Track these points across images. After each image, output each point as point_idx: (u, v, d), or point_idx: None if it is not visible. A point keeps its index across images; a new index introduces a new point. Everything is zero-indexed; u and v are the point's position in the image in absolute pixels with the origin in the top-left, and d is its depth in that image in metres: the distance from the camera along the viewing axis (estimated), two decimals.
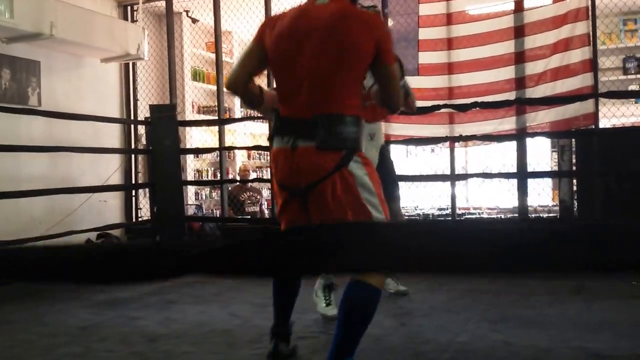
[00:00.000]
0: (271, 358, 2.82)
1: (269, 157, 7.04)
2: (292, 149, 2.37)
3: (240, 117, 8.43)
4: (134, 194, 7.05)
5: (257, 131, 9.04)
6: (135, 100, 7.13)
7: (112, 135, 6.89)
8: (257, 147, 8.47)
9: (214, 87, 7.12)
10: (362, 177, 2.36)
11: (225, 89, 3.02)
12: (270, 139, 2.52)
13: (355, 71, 2.38)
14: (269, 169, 7.25)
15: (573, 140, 5.43)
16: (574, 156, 5.43)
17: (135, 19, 6.97)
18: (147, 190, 6.86)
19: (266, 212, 7.77)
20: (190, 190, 7.64)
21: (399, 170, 4.48)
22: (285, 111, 2.44)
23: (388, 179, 3.67)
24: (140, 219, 6.99)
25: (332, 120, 2.35)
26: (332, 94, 2.37)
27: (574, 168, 5.44)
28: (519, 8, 5.55)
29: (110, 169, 6.69)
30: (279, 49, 2.44)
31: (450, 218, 5.85)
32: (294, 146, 2.37)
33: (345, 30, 2.34)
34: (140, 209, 7.04)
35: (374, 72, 2.42)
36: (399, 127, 5.74)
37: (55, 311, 4.12)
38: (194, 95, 7.88)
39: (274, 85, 2.60)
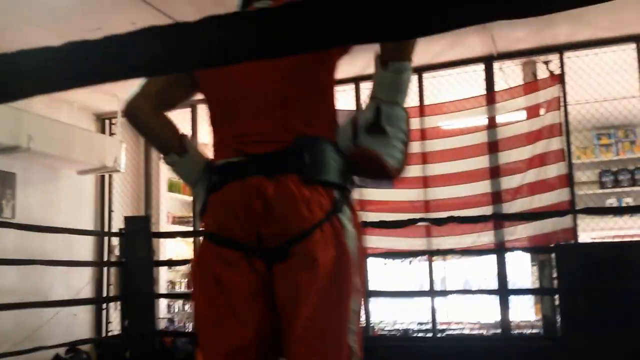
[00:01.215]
0: None
1: None
2: (245, 182, 1.55)
3: None
4: (104, 307, 6.81)
5: None
6: (110, 211, 7.05)
7: (85, 247, 6.75)
8: None
9: (190, 198, 7.06)
10: (353, 242, 1.57)
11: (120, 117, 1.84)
12: (199, 200, 1.71)
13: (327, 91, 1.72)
14: None
15: (553, 255, 5.35)
16: (554, 271, 5.34)
17: (113, 132, 7.01)
18: (118, 303, 6.64)
19: None
20: (162, 302, 7.41)
21: (377, 284, 4.33)
22: (230, 144, 1.63)
23: None
24: (110, 333, 6.71)
25: (324, 145, 1.60)
26: (310, 113, 1.65)
27: (555, 283, 5.32)
28: (492, 124, 5.61)
29: (82, 281, 6.51)
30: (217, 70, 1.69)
31: (431, 334, 5.66)
32: (250, 184, 1.55)
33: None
34: (111, 322, 6.78)
35: None
36: (376, 240, 5.65)
37: None
38: (169, 206, 7.81)
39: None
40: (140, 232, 6.21)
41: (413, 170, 5.71)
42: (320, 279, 1.49)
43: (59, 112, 6.31)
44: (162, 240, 7.33)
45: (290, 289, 1.52)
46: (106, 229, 6.99)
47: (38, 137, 5.53)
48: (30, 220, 5.74)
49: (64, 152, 5.91)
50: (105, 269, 6.90)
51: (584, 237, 5.64)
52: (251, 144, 1.58)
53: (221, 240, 1.58)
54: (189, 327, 7.48)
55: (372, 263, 5.86)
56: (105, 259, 6.96)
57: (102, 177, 7.01)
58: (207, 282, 1.62)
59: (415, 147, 5.75)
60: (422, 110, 5.79)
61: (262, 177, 1.53)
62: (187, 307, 8.10)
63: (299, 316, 1.50)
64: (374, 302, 5.83)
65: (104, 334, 6.74)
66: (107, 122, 7.12)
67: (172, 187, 7.92)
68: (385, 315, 6.05)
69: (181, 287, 8.19)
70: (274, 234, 1.52)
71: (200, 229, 1.75)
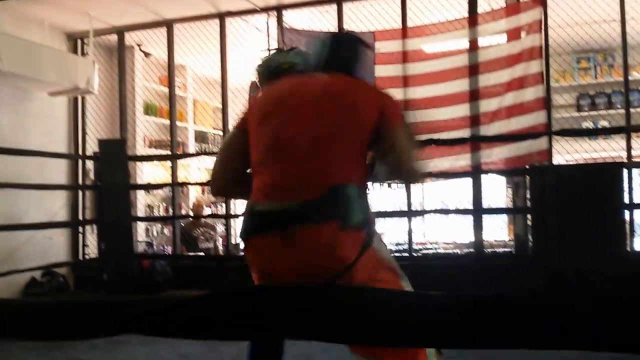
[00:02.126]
0: None
1: None
2: (288, 236, 1.83)
3: (194, 152, 8.28)
4: (80, 230, 6.78)
5: (211, 166, 8.87)
6: (84, 134, 6.92)
7: (59, 171, 6.65)
8: None
9: (167, 122, 6.97)
10: (383, 250, 2.03)
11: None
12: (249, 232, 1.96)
13: (357, 140, 1.98)
14: (224, 204, 7.08)
15: (527, 176, 5.47)
16: (528, 192, 5.47)
17: (85, 52, 6.80)
18: (94, 227, 6.62)
19: (220, 248, 7.58)
20: (141, 226, 7.41)
21: None
22: (266, 192, 1.93)
23: None
24: (87, 257, 6.72)
25: (354, 192, 1.90)
26: (340, 163, 1.93)
27: (529, 204, 5.47)
28: (473, 47, 5.61)
29: (56, 205, 6.44)
30: (259, 118, 2.04)
31: (407, 254, 5.80)
32: (291, 232, 1.82)
33: (345, 95, 2.00)
34: (87, 246, 6.78)
35: (379, 141, 2.00)
36: None
37: None
38: (146, 130, 7.70)
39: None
40: (115, 156, 6.13)
41: (394, 94, 5.70)
42: None
43: (29, 32, 6.09)
44: (139, 163, 7.27)
45: None
46: (80, 153, 6.88)
47: (6, 57, 5.35)
48: (1, 143, 5.60)
49: (34, 73, 5.73)
50: (80, 192, 6.83)
51: (559, 159, 5.77)
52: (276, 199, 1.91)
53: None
54: (168, 249, 7.52)
55: None
56: (80, 183, 6.87)
57: (75, 99, 6.84)
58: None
59: (396, 70, 5.74)
60: (404, 32, 5.75)
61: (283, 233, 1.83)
62: (165, 230, 8.13)
63: None
64: None
65: (80, 257, 6.74)
66: (79, 42, 6.90)
67: (148, 110, 7.78)
68: None
69: (159, 211, 8.19)
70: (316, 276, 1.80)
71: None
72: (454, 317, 0.95)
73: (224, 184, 2.16)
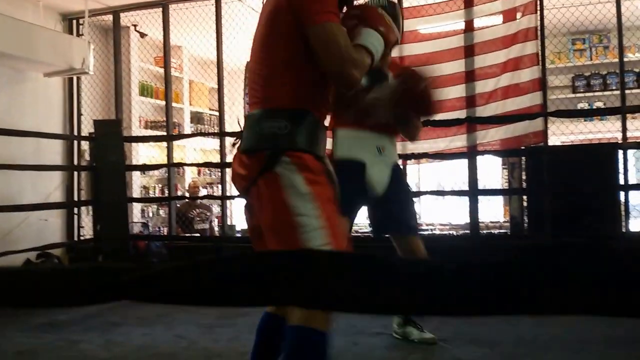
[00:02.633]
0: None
1: (219, 174, 6.85)
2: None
3: (189, 133, 8.27)
4: (75, 212, 6.78)
5: (207, 146, 8.87)
6: (79, 115, 6.88)
7: (54, 152, 6.63)
8: (207, 164, 8.27)
9: (163, 103, 6.95)
10: (292, 179, 1.81)
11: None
12: None
13: (280, 51, 1.88)
14: (219, 186, 7.08)
15: (523, 157, 5.48)
16: (523, 173, 5.49)
17: (80, 32, 6.76)
18: (90, 208, 6.61)
19: (216, 229, 7.60)
20: (136, 207, 7.41)
21: None
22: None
23: (404, 204, 3.21)
24: (82, 238, 6.72)
25: (257, 118, 1.90)
26: (262, 87, 1.92)
27: (524, 185, 5.49)
28: (469, 28, 5.60)
29: (51, 187, 6.43)
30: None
31: None
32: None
33: (266, 11, 1.95)
34: (83, 227, 6.77)
35: (305, 42, 1.82)
36: None
37: None
38: (142, 110, 7.67)
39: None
40: (111, 136, 6.13)
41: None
42: (257, 210, 1.90)
43: (23, 12, 6.04)
44: (134, 144, 7.25)
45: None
46: (75, 133, 6.85)
47: (1, 37, 5.32)
48: None
49: (28, 54, 5.70)
50: (75, 173, 6.81)
51: (554, 140, 5.77)
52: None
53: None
54: (164, 231, 7.53)
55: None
56: (76, 163, 6.85)
57: (70, 79, 6.80)
58: None
59: (393, 51, 5.71)
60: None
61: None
62: (161, 211, 8.13)
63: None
64: None
65: (75, 239, 6.74)
66: (74, 22, 6.84)
67: (143, 91, 7.76)
68: (359, 219, 6.15)
69: (155, 192, 8.18)
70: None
71: None
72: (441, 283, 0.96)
73: None
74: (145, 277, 1.13)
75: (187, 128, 8.51)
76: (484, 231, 5.91)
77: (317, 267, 1.00)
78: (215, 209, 7.82)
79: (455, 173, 6.30)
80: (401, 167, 3.42)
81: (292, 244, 1.75)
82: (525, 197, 5.47)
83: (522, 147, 5.43)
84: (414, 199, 6.40)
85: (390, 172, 3.14)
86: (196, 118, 9.01)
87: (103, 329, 3.97)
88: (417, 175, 7.21)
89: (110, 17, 6.79)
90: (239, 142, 2.00)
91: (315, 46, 1.79)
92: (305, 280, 1.01)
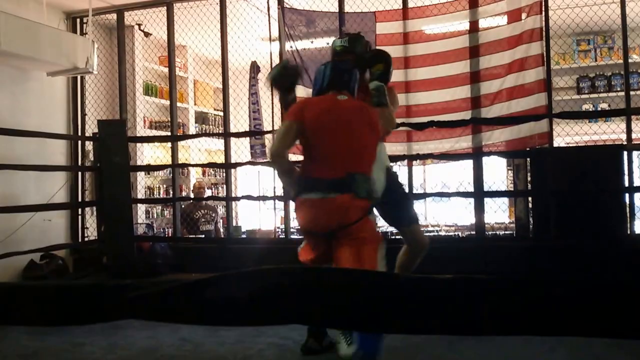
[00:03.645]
0: (301, 351, 3.36)
1: (224, 174, 6.87)
2: (325, 199, 2.97)
3: (194, 133, 8.26)
4: (80, 212, 6.77)
5: (212, 147, 8.86)
6: (83, 115, 6.87)
7: (58, 152, 6.63)
8: (212, 165, 8.27)
9: (167, 102, 6.94)
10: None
11: (269, 158, 3.27)
12: (295, 193, 3.12)
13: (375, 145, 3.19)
14: (224, 186, 7.06)
15: (528, 159, 5.47)
16: (529, 175, 5.47)
17: (84, 31, 6.75)
18: (94, 209, 6.60)
19: (221, 230, 7.59)
20: (141, 208, 7.40)
21: None
22: (318, 171, 3.06)
23: (400, 202, 3.64)
24: (86, 239, 6.71)
25: (367, 179, 3.07)
26: (366, 159, 3.12)
27: (529, 186, 5.47)
28: (474, 28, 5.59)
29: (55, 187, 6.41)
30: (320, 124, 3.10)
31: None
32: (329, 197, 2.96)
33: (369, 119, 3.15)
34: (87, 228, 6.77)
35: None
36: None
37: None
38: (146, 110, 7.67)
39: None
40: (115, 137, 6.11)
41: (395, 75, 5.67)
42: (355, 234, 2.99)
43: (27, 10, 6.04)
44: (139, 145, 7.25)
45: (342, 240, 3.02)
46: (80, 134, 6.84)
47: (4, 36, 5.28)
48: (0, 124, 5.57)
49: (32, 52, 5.67)
50: (79, 174, 6.80)
51: (559, 142, 5.76)
52: (325, 175, 3.05)
53: (308, 232, 3.18)
54: (168, 232, 7.52)
55: None
56: (80, 164, 6.84)
57: (74, 79, 6.79)
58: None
59: (397, 51, 5.70)
60: (405, 13, 5.72)
61: (325, 197, 3.00)
62: (166, 212, 8.12)
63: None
64: None
65: (80, 240, 6.73)
66: (77, 21, 6.83)
67: (148, 91, 7.75)
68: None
69: (160, 193, 8.17)
70: (337, 223, 3.00)
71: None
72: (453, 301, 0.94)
73: (283, 152, 3.14)
74: (150, 295, 1.11)
75: (192, 128, 8.50)
76: (490, 232, 5.90)
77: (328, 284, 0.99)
78: (220, 210, 7.81)
79: (460, 174, 6.28)
80: (392, 169, 3.78)
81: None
82: (530, 199, 5.46)
83: (527, 149, 5.42)
84: (418, 199, 6.40)
85: (385, 176, 3.53)
86: (201, 118, 8.99)
87: (107, 332, 3.95)
88: (423, 176, 7.19)
89: (114, 16, 6.78)
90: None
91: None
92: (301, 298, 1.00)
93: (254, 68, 6.42)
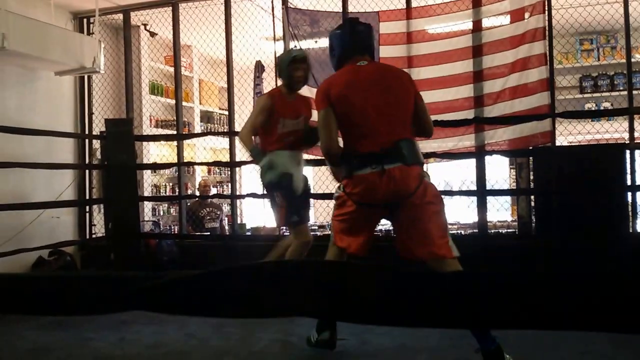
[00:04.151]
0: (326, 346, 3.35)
1: (229, 173, 6.97)
2: (382, 173, 2.93)
3: (199, 131, 8.33)
4: (87, 210, 6.85)
5: (217, 146, 8.93)
6: (90, 114, 6.95)
7: (65, 150, 6.71)
8: (217, 163, 8.32)
9: (173, 101, 7.01)
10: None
11: (326, 154, 3.17)
12: (346, 171, 3.08)
13: (409, 109, 3.10)
14: (229, 185, 7.12)
15: (530, 158, 5.50)
16: (531, 173, 5.51)
17: (91, 31, 6.82)
18: (102, 206, 6.68)
19: (227, 227, 7.66)
20: (147, 206, 7.48)
21: None
22: (363, 147, 3.01)
23: (308, 202, 4.26)
24: (94, 236, 6.79)
25: (411, 143, 3.02)
26: (402, 125, 3.05)
27: (532, 185, 5.51)
28: (477, 28, 5.62)
29: (63, 185, 6.50)
30: (348, 103, 3.06)
31: None
32: (383, 169, 2.93)
33: (396, 79, 3.14)
34: (95, 225, 6.85)
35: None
36: None
37: (4, 332, 3.95)
38: (152, 109, 7.74)
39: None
40: (122, 135, 6.18)
41: None
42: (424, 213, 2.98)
43: (34, 11, 6.11)
44: (145, 143, 7.32)
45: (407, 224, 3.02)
46: (87, 132, 6.92)
47: (13, 36, 5.33)
48: (8, 122, 5.63)
49: (40, 52, 5.73)
50: (87, 172, 6.88)
51: (561, 141, 5.79)
52: (374, 149, 3.00)
53: (364, 204, 3.04)
54: (174, 229, 7.59)
55: None
56: (87, 162, 6.92)
57: (81, 78, 6.87)
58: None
59: (400, 50, 5.76)
60: (408, 13, 5.76)
61: (379, 171, 2.94)
62: (172, 210, 8.20)
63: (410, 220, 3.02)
64: None
65: (87, 237, 6.81)
66: (84, 21, 6.90)
67: (154, 90, 7.82)
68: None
69: (166, 191, 8.24)
70: (398, 194, 2.96)
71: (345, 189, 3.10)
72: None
73: (336, 143, 3.12)
74: (156, 287, 1.16)
75: (197, 127, 8.57)
76: (492, 230, 5.94)
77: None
78: (225, 208, 7.88)
79: (463, 172, 6.32)
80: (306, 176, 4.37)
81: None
82: (532, 197, 5.49)
83: (530, 148, 5.45)
84: None
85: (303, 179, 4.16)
86: (206, 117, 9.06)
87: (115, 327, 4.03)
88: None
89: (120, 16, 6.85)
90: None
91: (424, 111, 3.19)
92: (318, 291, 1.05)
93: (259, 67, 6.48)
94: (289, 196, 3.96)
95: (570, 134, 5.72)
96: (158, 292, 1.11)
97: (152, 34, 7.50)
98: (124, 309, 1.14)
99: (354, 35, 3.23)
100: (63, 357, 3.41)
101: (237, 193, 6.62)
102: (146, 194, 7.33)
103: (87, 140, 6.91)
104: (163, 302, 1.15)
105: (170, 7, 6.53)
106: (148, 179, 7.52)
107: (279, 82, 4.28)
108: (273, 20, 6.14)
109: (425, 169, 3.10)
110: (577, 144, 6.08)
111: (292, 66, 3.99)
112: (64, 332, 3.94)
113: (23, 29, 5.54)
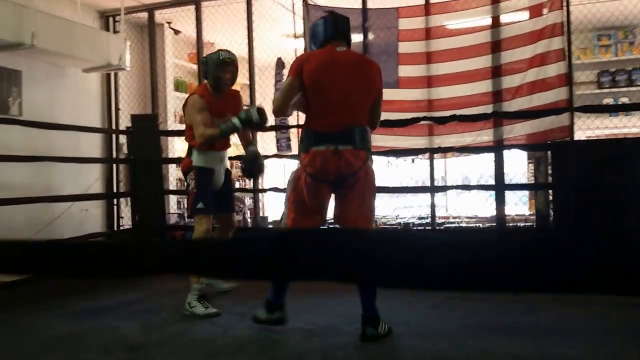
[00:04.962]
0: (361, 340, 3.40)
1: None
2: (335, 152, 3.27)
3: None
4: (115, 203, 7.04)
5: (238, 141, 9.03)
6: (117, 110, 7.14)
7: (93, 145, 6.89)
8: (240, 157, 8.42)
9: None
10: (373, 175, 3.47)
11: (274, 112, 3.54)
12: (304, 146, 3.39)
13: (368, 99, 3.42)
14: (252, 180, 7.26)
15: (549, 152, 5.54)
16: (549, 168, 5.55)
17: (117, 29, 6.99)
18: (128, 199, 6.86)
19: (249, 220, 7.79)
20: (172, 199, 7.64)
21: (382, 180, 4.61)
22: (322, 126, 3.33)
23: (231, 194, 4.75)
24: (121, 228, 6.98)
25: (364, 130, 3.37)
26: (360, 113, 3.37)
27: (550, 179, 5.55)
28: (496, 23, 5.67)
29: (91, 179, 6.69)
30: (317, 80, 3.33)
31: (430, 227, 5.95)
32: (337, 149, 3.27)
33: (365, 68, 3.43)
34: (122, 217, 7.03)
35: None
36: (380, 139, 5.82)
37: (33, 321, 4.11)
38: (176, 105, 7.90)
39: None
40: (147, 130, 6.35)
41: (418, 70, 5.83)
42: (360, 182, 3.39)
43: (62, 9, 6.28)
44: (169, 138, 7.48)
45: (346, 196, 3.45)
46: (114, 127, 7.11)
47: (42, 34, 5.50)
48: (38, 118, 5.82)
49: (68, 50, 5.90)
50: (114, 166, 7.06)
51: (580, 135, 5.82)
52: (329, 128, 3.33)
53: (317, 178, 3.38)
54: None
55: (377, 161, 6.05)
56: (114, 156, 7.11)
57: (108, 75, 7.05)
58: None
59: (419, 46, 5.83)
60: (427, 9, 5.83)
61: (333, 150, 3.29)
62: None
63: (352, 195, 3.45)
64: (378, 198, 6.10)
65: (115, 229, 6.99)
66: (110, 19, 7.08)
67: (178, 87, 7.97)
68: (388, 210, 6.32)
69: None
70: (344, 172, 3.35)
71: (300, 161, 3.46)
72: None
73: (286, 106, 3.42)
74: (189, 251, 1.28)
75: None
76: (510, 224, 6.00)
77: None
78: (248, 201, 8.01)
79: (481, 167, 6.38)
80: (230, 170, 4.77)
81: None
82: (550, 191, 5.54)
83: (548, 142, 5.49)
84: (440, 191, 6.50)
85: (224, 174, 4.54)
86: None
87: (141, 316, 4.16)
88: (444, 168, 7.30)
89: (145, 15, 7.01)
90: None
91: (378, 105, 3.55)
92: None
93: (279, 64, 6.59)
94: (202, 185, 4.29)
95: (588, 129, 5.75)
96: (191, 256, 1.24)
97: (176, 32, 7.65)
98: (161, 272, 1.28)
99: (336, 23, 3.50)
100: (92, 344, 3.55)
101: (259, 187, 6.74)
102: (171, 187, 7.50)
103: (113, 135, 7.09)
104: (195, 265, 1.28)
105: (194, 6, 6.67)
106: (173, 173, 7.67)
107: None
108: (294, 18, 6.25)
109: (370, 156, 3.45)
110: (595, 138, 6.11)
111: (221, 68, 4.17)
112: (91, 320, 4.07)
113: (51, 27, 5.70)
